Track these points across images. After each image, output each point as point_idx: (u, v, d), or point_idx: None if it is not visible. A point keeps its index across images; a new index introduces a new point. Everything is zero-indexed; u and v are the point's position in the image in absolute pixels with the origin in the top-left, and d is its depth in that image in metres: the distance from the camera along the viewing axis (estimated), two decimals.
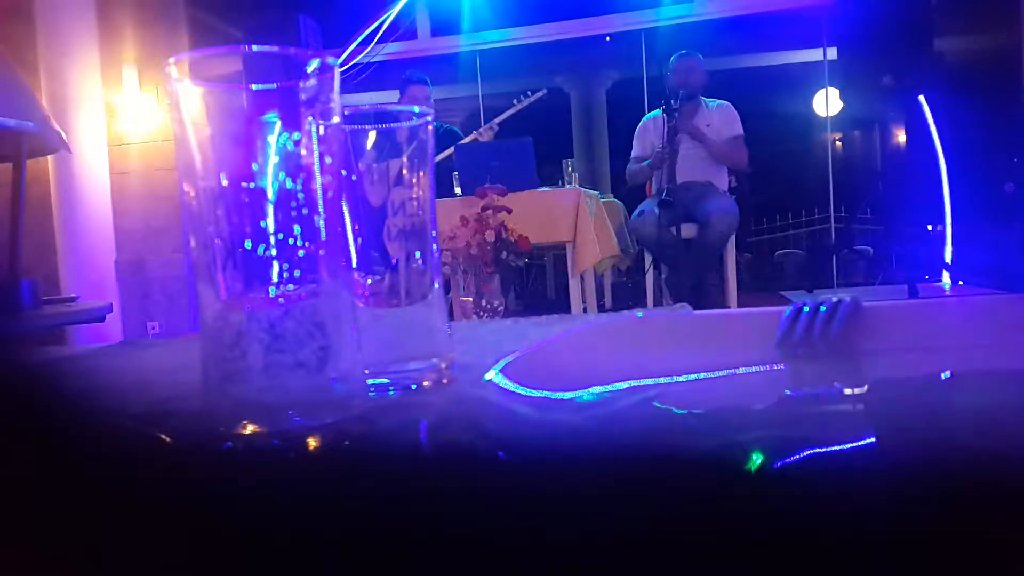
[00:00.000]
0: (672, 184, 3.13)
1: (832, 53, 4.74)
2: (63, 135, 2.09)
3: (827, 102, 5.12)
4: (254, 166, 0.34)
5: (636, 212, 3.36)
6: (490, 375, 0.41)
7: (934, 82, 3.69)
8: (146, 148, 3.59)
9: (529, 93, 3.73)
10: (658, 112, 3.41)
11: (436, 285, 0.44)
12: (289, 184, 0.34)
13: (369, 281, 0.43)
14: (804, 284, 4.45)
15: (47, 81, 3.33)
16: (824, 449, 0.27)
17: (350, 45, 4.44)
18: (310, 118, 0.35)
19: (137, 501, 0.26)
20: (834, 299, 0.48)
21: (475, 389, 0.40)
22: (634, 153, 3.55)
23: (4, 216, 2.03)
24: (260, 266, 0.34)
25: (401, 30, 4.68)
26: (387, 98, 5.05)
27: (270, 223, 0.34)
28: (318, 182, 0.35)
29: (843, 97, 4.87)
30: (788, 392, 0.44)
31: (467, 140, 3.56)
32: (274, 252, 0.34)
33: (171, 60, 0.34)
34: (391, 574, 0.23)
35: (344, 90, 1.09)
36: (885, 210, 4.38)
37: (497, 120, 3.74)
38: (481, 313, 1.83)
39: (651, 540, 0.21)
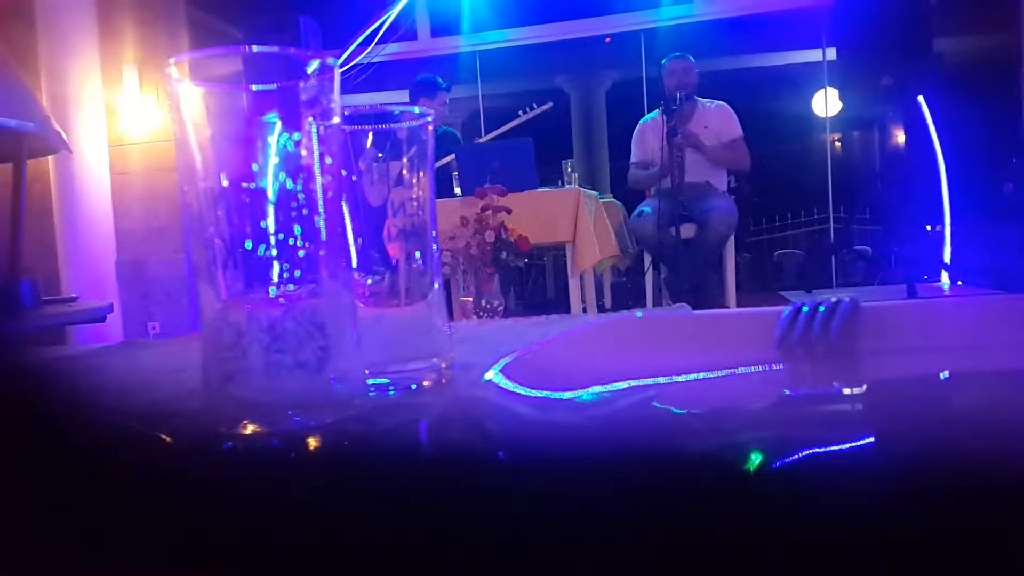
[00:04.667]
0: (681, 183, 3.15)
1: (831, 53, 4.74)
2: (63, 135, 2.09)
3: (826, 102, 5.12)
4: (254, 166, 0.34)
5: (636, 212, 3.36)
6: (490, 375, 0.41)
7: (933, 82, 3.69)
8: (146, 148, 3.59)
9: (535, 105, 3.74)
10: (655, 114, 3.41)
11: (436, 285, 0.45)
12: (289, 184, 0.35)
13: (369, 281, 0.43)
14: (803, 284, 4.45)
15: (47, 81, 3.33)
16: (823, 449, 0.27)
17: (350, 45, 4.44)
18: (310, 118, 0.35)
19: (137, 501, 0.26)
20: (833, 299, 0.48)
21: (475, 389, 0.40)
22: (634, 158, 3.54)
23: (4, 216, 2.03)
24: (260, 266, 0.34)
25: (401, 30, 4.68)
26: (393, 98, 5.06)
27: (270, 223, 0.34)
28: (318, 182, 0.35)
29: (842, 97, 4.88)
30: (787, 392, 0.44)
31: None
32: (274, 252, 0.34)
33: (171, 60, 0.34)
34: (391, 574, 0.23)
35: (344, 90, 1.09)
36: (884, 210, 4.38)
37: (501, 130, 3.74)
38: (481, 313, 1.83)
39: (651, 540, 0.21)
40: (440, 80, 3.47)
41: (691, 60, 3.41)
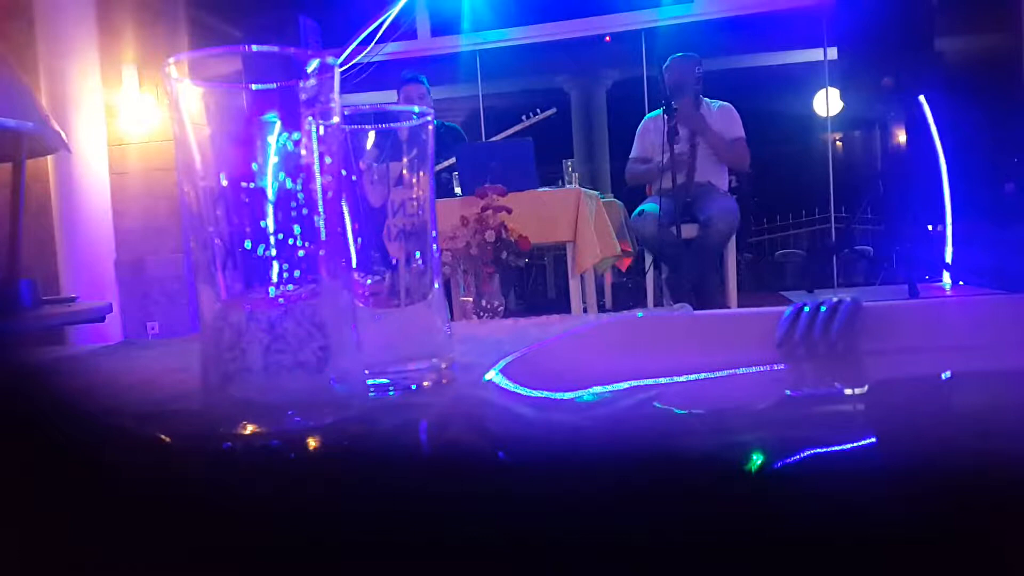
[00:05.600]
0: (690, 181, 3.16)
1: (832, 53, 4.74)
2: (63, 135, 2.09)
3: (827, 102, 5.11)
4: (254, 166, 0.34)
5: (636, 212, 3.36)
6: (490, 375, 0.41)
7: (934, 82, 3.69)
8: (146, 148, 3.59)
9: (539, 111, 3.74)
10: (659, 112, 3.41)
11: (436, 285, 0.44)
12: (289, 184, 0.34)
13: (369, 281, 0.43)
14: (804, 284, 4.45)
15: (47, 81, 3.33)
16: (824, 449, 0.27)
17: (350, 45, 4.44)
18: (310, 118, 0.35)
19: (137, 501, 0.26)
20: (834, 299, 0.48)
21: (475, 389, 0.40)
22: (634, 153, 3.55)
23: (4, 216, 2.03)
24: (260, 266, 0.34)
25: (401, 30, 4.68)
26: (385, 98, 5.07)
27: (270, 223, 0.34)
28: (318, 182, 0.35)
29: (843, 97, 4.87)
30: (788, 392, 0.44)
31: None
32: (274, 252, 0.34)
33: (171, 60, 0.34)
34: (391, 574, 0.23)
35: (344, 90, 1.09)
36: (885, 210, 4.38)
37: (502, 136, 3.75)
38: (481, 313, 1.83)
39: (651, 540, 0.21)
40: (410, 76, 3.43)
41: (694, 59, 3.40)
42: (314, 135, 0.35)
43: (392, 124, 0.43)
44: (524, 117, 3.75)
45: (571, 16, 4.93)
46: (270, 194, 0.34)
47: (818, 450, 0.27)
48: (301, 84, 0.35)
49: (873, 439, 0.30)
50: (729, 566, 0.20)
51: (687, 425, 0.36)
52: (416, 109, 0.43)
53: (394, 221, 0.43)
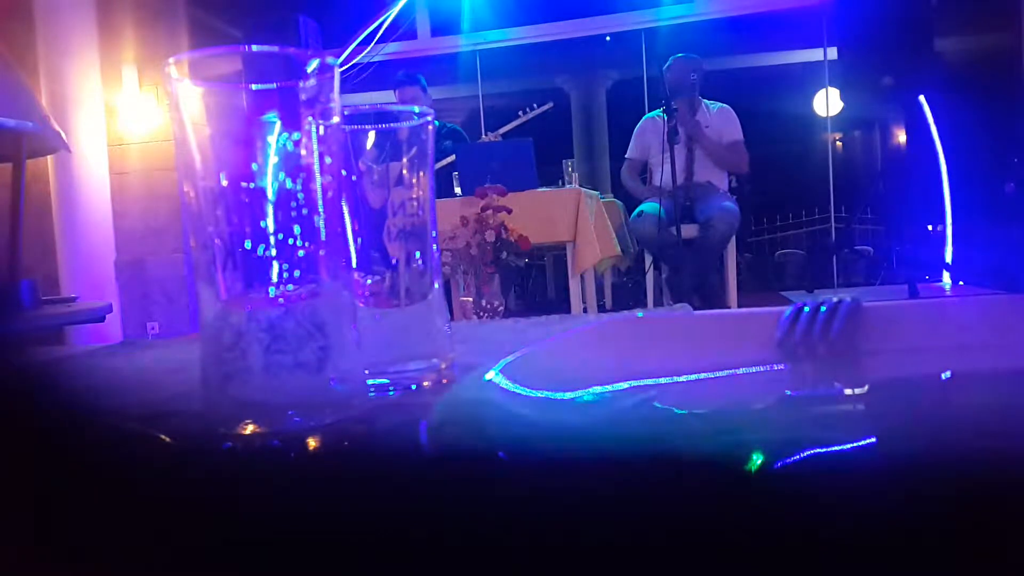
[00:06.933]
0: (689, 182, 3.17)
1: (832, 53, 4.74)
2: (63, 135, 2.09)
3: (827, 102, 5.12)
4: (254, 166, 0.34)
5: (636, 212, 3.36)
6: (490, 375, 0.41)
7: (934, 82, 3.69)
8: (146, 148, 3.59)
9: (535, 105, 3.76)
10: (658, 112, 3.41)
11: (436, 285, 0.44)
12: (289, 184, 0.34)
13: (369, 281, 0.43)
14: (804, 284, 4.46)
15: (47, 81, 3.33)
16: (824, 449, 0.27)
17: (350, 45, 4.45)
18: (310, 118, 0.35)
19: (137, 501, 0.26)
20: (834, 299, 0.48)
21: (475, 389, 0.40)
22: (629, 153, 3.56)
23: (4, 216, 2.03)
24: (260, 266, 0.34)
25: (401, 30, 4.68)
26: (384, 98, 5.07)
27: (270, 223, 0.34)
28: (318, 182, 0.35)
29: (843, 97, 4.88)
30: (788, 392, 0.44)
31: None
32: (274, 252, 0.34)
33: (171, 60, 0.34)
34: (390, 575, 0.23)
35: (344, 90, 1.09)
36: (885, 210, 4.39)
37: (502, 131, 3.75)
38: (481, 313, 1.83)
39: (651, 541, 0.21)
40: (405, 77, 3.44)
41: (695, 60, 3.40)
42: (314, 135, 0.35)
43: (392, 124, 0.43)
44: (521, 112, 3.76)
45: (571, 16, 4.93)
46: (270, 194, 0.34)
47: (818, 450, 0.27)
48: (301, 84, 0.35)
49: (873, 439, 0.30)
50: (729, 566, 0.20)
51: (687, 425, 0.36)
52: (416, 109, 0.43)
53: (394, 221, 0.43)
